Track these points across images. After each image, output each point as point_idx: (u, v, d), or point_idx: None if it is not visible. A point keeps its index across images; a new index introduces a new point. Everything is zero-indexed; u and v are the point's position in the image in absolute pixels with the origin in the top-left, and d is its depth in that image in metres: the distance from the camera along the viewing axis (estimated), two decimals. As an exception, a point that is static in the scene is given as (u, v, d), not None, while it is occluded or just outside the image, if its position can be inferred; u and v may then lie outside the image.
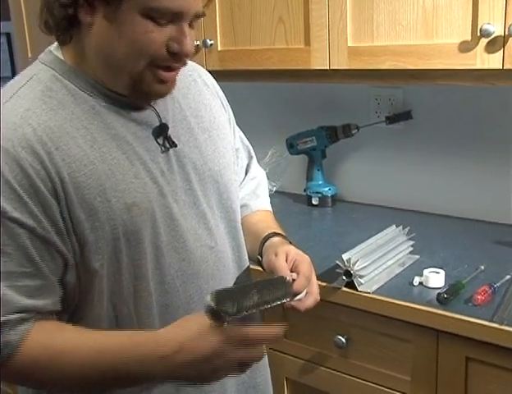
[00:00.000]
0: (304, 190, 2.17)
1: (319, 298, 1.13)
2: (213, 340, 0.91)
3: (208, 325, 0.91)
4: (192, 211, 1.08)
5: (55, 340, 0.94)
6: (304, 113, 2.23)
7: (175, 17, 0.94)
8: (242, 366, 0.97)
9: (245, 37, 1.85)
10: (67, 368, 0.93)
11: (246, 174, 1.37)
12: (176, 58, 0.97)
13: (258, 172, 1.41)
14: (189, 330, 0.93)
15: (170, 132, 1.07)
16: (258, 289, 1.01)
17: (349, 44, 1.63)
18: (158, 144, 1.05)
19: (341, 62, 1.66)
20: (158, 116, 1.06)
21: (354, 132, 2.03)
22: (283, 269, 1.09)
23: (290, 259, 1.12)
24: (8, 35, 3.23)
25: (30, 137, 0.92)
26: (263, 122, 2.34)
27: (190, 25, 0.98)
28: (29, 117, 0.94)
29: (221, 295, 0.95)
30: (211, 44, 1.91)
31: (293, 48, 1.75)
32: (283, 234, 1.24)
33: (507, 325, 1.24)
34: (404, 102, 2.01)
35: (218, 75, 1.93)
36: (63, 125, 0.95)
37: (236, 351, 0.93)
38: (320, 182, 2.14)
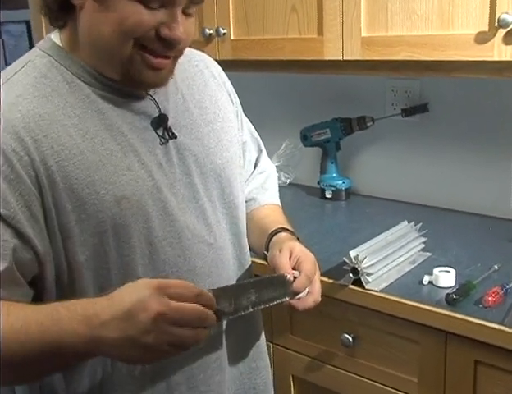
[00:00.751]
0: (318, 183, 2.13)
1: (320, 299, 1.09)
2: (144, 317, 0.84)
3: (146, 296, 0.85)
4: (191, 205, 1.05)
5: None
6: (319, 104, 2.19)
7: (166, 1, 0.90)
8: (176, 348, 0.88)
9: (258, 26, 1.81)
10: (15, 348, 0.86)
11: (255, 168, 1.34)
12: (165, 44, 0.93)
13: (268, 166, 1.37)
14: (123, 304, 0.86)
15: (170, 123, 1.04)
16: (256, 288, 0.99)
17: (362, 34, 1.59)
18: (158, 135, 1.02)
19: (355, 53, 1.61)
20: (158, 106, 1.03)
21: (369, 124, 1.98)
22: (285, 266, 1.05)
23: (293, 256, 1.08)
24: (28, 23, 3.23)
25: (17, 123, 0.90)
26: (278, 113, 2.31)
27: (188, 14, 0.95)
28: (20, 104, 0.92)
29: (219, 294, 0.93)
30: (224, 33, 1.88)
31: (306, 37, 1.71)
32: (291, 229, 1.21)
33: (518, 328, 1.20)
34: (421, 94, 1.95)
35: (231, 64, 1.93)
36: (55, 112, 0.93)
37: (170, 331, 0.85)
38: (334, 175, 2.10)
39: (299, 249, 1.10)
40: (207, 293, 0.90)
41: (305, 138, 2.11)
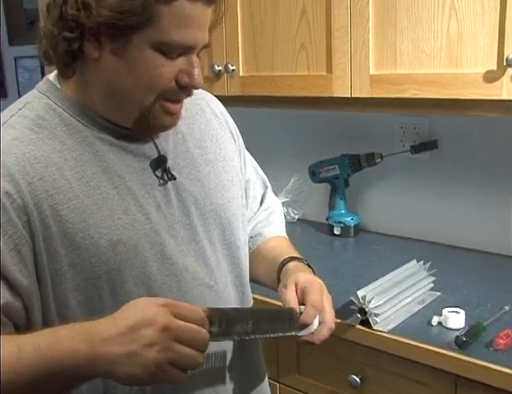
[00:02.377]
0: (327, 219, 2.12)
1: (334, 326, 1.05)
2: (150, 331, 0.83)
3: (152, 313, 0.84)
4: (191, 247, 1.04)
5: None
6: (328, 140, 2.19)
7: (185, 50, 0.93)
8: (176, 368, 0.85)
9: (267, 63, 1.82)
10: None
11: (261, 204, 1.33)
12: (185, 91, 0.96)
13: (273, 202, 1.36)
14: (127, 320, 0.85)
15: (170, 164, 1.03)
16: (256, 318, 0.97)
17: (371, 72, 1.59)
18: (156, 176, 1.01)
19: (363, 90, 1.61)
20: (157, 147, 1.03)
21: (377, 161, 1.97)
22: (291, 302, 1.02)
23: (299, 289, 1.05)
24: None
25: (12, 166, 0.90)
26: (287, 149, 2.31)
27: (198, 56, 0.96)
28: (16, 146, 0.92)
29: (213, 314, 0.92)
30: (233, 70, 1.89)
31: (314, 74, 1.71)
32: (299, 256, 1.18)
33: (529, 374, 1.17)
34: (431, 131, 1.95)
35: (240, 100, 1.94)
36: (51, 155, 0.93)
37: (173, 347, 0.84)
38: (342, 211, 2.09)
39: (303, 279, 1.06)
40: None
41: (314, 174, 2.10)
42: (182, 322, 0.85)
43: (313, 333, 1.02)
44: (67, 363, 0.84)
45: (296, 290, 1.05)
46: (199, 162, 1.09)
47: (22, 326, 0.93)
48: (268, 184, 1.36)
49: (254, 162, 1.32)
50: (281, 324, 1.00)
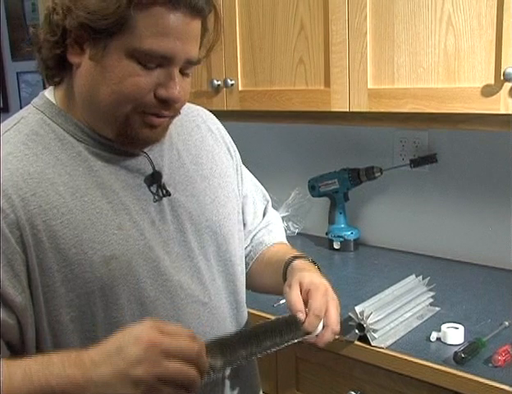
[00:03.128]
0: (326, 234, 2.11)
1: (338, 328, 1.03)
2: (135, 349, 0.82)
3: (138, 331, 0.84)
4: (185, 264, 1.03)
5: None
6: (328, 155, 2.18)
7: (163, 61, 0.91)
8: (168, 385, 0.83)
9: (266, 77, 1.82)
10: None
11: (263, 218, 1.32)
12: (164, 105, 0.94)
13: (272, 215, 1.36)
14: (115, 341, 0.85)
15: (165, 180, 1.03)
16: (258, 338, 0.96)
17: (369, 86, 1.59)
18: (151, 192, 1.01)
19: (361, 105, 1.61)
20: (151, 163, 1.02)
21: (377, 175, 1.97)
22: (295, 304, 1.01)
23: (303, 290, 1.03)
24: (43, 72, 3.30)
25: (5, 181, 0.90)
26: (287, 163, 2.31)
27: (184, 73, 0.95)
28: (9, 162, 0.92)
29: (214, 347, 0.91)
30: (232, 84, 1.89)
31: (313, 89, 1.72)
32: (304, 255, 1.16)
33: (529, 391, 1.16)
34: (430, 145, 1.94)
35: (239, 115, 1.95)
36: (45, 170, 0.93)
37: (161, 363, 0.82)
38: (342, 226, 2.08)
39: (308, 280, 1.04)
40: (198, 338, 0.88)
41: (313, 188, 2.10)
42: (168, 337, 0.84)
43: (317, 336, 1.01)
44: (58, 388, 0.83)
45: (301, 290, 1.03)
46: (195, 178, 1.09)
47: (15, 344, 0.93)
48: (269, 198, 1.36)
49: (252, 177, 1.32)
50: (284, 336, 0.98)
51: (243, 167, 1.27)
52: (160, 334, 0.83)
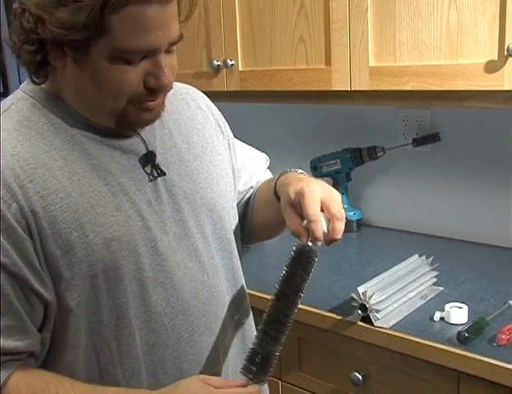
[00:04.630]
0: (329, 214, 2.09)
1: (343, 214, 0.96)
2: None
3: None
4: (183, 243, 1.02)
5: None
6: (330, 135, 2.16)
7: (147, 53, 0.89)
8: None
9: (266, 57, 1.80)
10: None
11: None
12: (155, 92, 0.93)
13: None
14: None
15: (158, 160, 1.02)
16: (274, 325, 0.94)
17: (370, 64, 1.57)
18: (146, 172, 1.00)
19: (363, 83, 1.59)
20: (145, 143, 1.01)
21: (379, 155, 1.95)
22: (294, 231, 0.96)
23: (295, 205, 0.97)
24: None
25: (2, 169, 0.88)
26: (288, 143, 2.28)
27: (169, 51, 0.93)
28: (4, 149, 0.90)
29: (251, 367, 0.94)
30: (232, 65, 1.87)
31: (313, 68, 1.69)
32: (285, 171, 1.12)
33: (533, 369, 1.15)
34: (432, 123, 1.92)
35: (239, 95, 1.92)
36: (40, 156, 0.91)
37: None
38: (345, 206, 2.06)
39: (292, 194, 0.98)
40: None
41: (315, 169, 2.08)
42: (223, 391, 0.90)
43: (328, 232, 0.95)
44: None
45: (295, 209, 0.98)
46: (187, 157, 1.07)
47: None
48: (265, 168, 1.33)
49: (249, 150, 1.30)
50: (306, 270, 0.94)
51: (236, 141, 1.24)
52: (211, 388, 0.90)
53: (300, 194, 0.95)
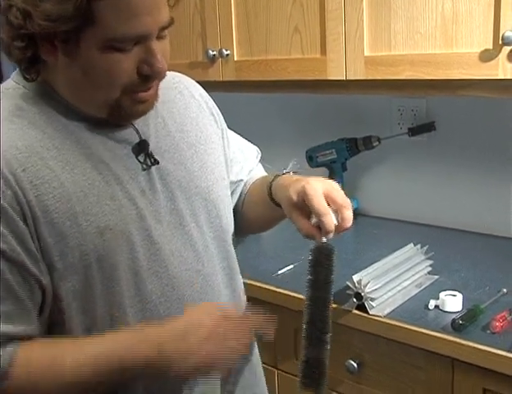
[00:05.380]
0: (324, 204, 2.10)
1: (348, 202, 1.00)
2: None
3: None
4: (177, 232, 1.02)
5: (47, 353, 0.92)
6: (326, 124, 2.16)
7: (139, 39, 0.89)
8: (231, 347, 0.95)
9: (261, 47, 1.80)
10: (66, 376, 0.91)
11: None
12: (149, 80, 0.93)
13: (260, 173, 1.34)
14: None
15: (152, 149, 1.02)
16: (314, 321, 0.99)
17: (365, 54, 1.57)
18: (139, 161, 1.00)
19: (358, 72, 1.59)
20: (138, 132, 1.01)
21: (375, 144, 1.95)
22: (306, 232, 0.99)
23: (300, 205, 0.99)
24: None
25: None
26: (284, 133, 2.28)
27: (161, 36, 0.93)
28: None
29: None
30: (227, 54, 1.86)
31: (309, 57, 1.69)
32: (279, 174, 1.15)
33: (526, 356, 1.16)
34: (428, 113, 1.92)
35: (235, 85, 1.92)
36: (32, 145, 0.91)
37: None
38: (341, 195, 2.06)
39: (294, 196, 1.00)
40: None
41: (311, 159, 2.08)
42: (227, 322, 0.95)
43: (339, 223, 0.98)
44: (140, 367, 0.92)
45: (300, 210, 0.99)
46: (181, 145, 1.08)
47: None
48: (257, 162, 1.33)
49: (241, 141, 1.31)
50: (329, 269, 0.97)
51: (229, 131, 1.25)
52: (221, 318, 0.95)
53: (303, 193, 0.97)
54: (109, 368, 0.91)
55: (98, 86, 0.91)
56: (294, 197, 0.99)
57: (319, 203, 0.96)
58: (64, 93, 0.95)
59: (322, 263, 0.97)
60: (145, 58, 0.90)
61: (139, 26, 0.87)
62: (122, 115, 0.96)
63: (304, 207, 0.98)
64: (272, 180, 1.12)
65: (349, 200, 1.00)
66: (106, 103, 0.93)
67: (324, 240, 0.97)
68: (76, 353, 0.91)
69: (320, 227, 0.97)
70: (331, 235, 0.97)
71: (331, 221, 0.96)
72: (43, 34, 0.86)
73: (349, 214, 0.98)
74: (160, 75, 0.94)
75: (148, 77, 0.92)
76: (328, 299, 0.98)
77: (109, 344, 0.92)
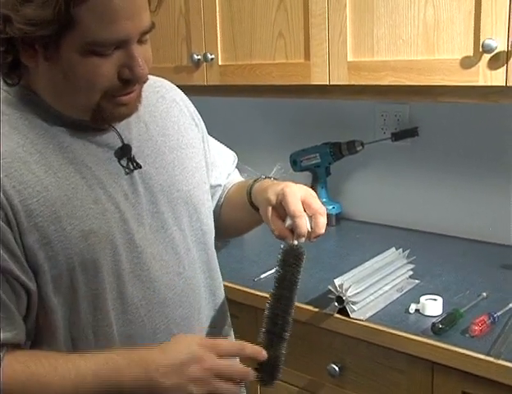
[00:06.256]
0: (308, 208, 2.11)
1: (324, 209, 1.02)
2: (196, 369, 0.93)
3: (199, 352, 0.94)
4: (159, 235, 1.03)
5: (31, 369, 0.91)
6: (310, 129, 2.17)
7: (119, 44, 0.89)
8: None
9: (246, 51, 1.81)
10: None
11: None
12: (129, 84, 0.93)
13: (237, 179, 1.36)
14: (178, 356, 0.94)
15: (134, 153, 1.03)
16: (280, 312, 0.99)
17: (348, 59, 1.58)
18: (122, 165, 1.00)
19: (341, 78, 1.60)
20: (120, 136, 1.01)
21: (358, 149, 1.96)
22: (279, 233, 1.02)
23: (276, 208, 1.03)
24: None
25: None
26: (268, 138, 2.29)
27: (142, 41, 0.93)
28: None
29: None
30: (212, 59, 1.87)
31: (293, 62, 1.70)
32: (259, 178, 1.17)
33: (504, 359, 1.17)
34: (411, 118, 1.94)
35: (219, 90, 1.93)
36: (15, 149, 0.91)
37: (214, 383, 0.93)
38: (324, 200, 2.07)
39: (272, 197, 1.03)
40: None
41: (295, 163, 2.09)
42: (223, 363, 0.94)
43: (312, 229, 1.00)
44: (127, 389, 0.91)
45: (277, 212, 1.02)
46: (163, 149, 1.08)
47: None
48: (234, 168, 1.35)
49: (219, 145, 1.32)
50: (296, 269, 1.00)
51: (208, 135, 1.26)
52: (217, 360, 0.94)
53: (282, 195, 1.00)
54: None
55: (78, 90, 0.91)
56: (273, 198, 1.02)
57: (295, 205, 0.98)
58: (46, 97, 0.95)
59: (290, 263, 1.00)
60: (126, 63, 0.91)
61: (119, 31, 0.87)
62: (104, 118, 0.96)
63: (280, 209, 1.01)
64: (252, 185, 1.13)
65: (324, 208, 1.02)
66: (87, 106, 0.94)
67: (296, 242, 1.00)
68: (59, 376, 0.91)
69: (293, 231, 1.00)
70: (302, 239, 1.00)
71: (304, 224, 0.98)
72: (24, 38, 0.86)
73: (322, 221, 1.00)
74: (141, 80, 0.94)
75: (129, 81, 0.92)
76: (292, 298, 1.00)
77: (106, 364, 0.93)
